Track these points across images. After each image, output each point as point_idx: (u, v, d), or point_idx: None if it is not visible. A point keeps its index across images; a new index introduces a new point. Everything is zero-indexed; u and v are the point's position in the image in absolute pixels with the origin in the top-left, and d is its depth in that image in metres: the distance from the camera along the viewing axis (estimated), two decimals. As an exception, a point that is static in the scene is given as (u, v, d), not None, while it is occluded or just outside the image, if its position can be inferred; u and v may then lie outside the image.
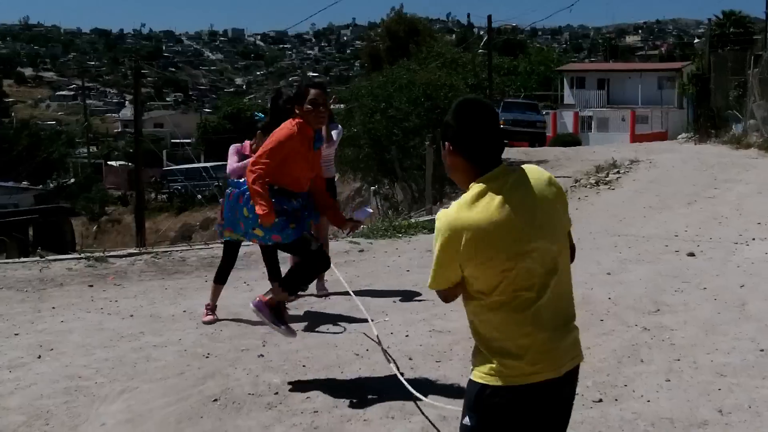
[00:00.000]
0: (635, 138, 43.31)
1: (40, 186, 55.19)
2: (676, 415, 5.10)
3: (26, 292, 8.96)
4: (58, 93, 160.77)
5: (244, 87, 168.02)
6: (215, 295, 7.74)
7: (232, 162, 7.67)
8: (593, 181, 18.00)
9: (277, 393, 5.60)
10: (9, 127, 73.16)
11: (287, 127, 5.84)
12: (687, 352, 6.29)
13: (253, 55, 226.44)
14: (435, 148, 15.72)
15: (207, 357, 6.43)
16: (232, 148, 7.85)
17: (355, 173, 26.60)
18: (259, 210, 5.78)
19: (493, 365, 2.92)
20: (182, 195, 49.60)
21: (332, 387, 5.71)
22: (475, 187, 2.94)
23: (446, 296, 3.11)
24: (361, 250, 11.00)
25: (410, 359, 6.27)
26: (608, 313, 7.39)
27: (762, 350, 6.32)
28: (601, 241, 10.93)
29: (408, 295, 8.40)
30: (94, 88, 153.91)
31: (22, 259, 10.66)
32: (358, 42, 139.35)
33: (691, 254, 9.92)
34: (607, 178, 18.28)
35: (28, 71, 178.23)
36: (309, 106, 5.82)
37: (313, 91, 5.86)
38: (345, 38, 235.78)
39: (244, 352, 6.52)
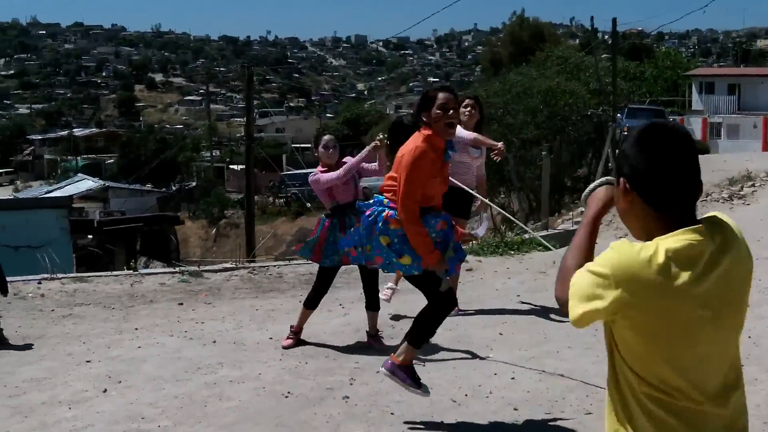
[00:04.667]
0: (768, 146, 40.91)
1: (163, 189, 56.49)
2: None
3: (113, 310, 8.55)
4: (186, 98, 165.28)
5: (365, 92, 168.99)
6: (302, 319, 7.10)
7: (329, 176, 6.85)
8: (726, 195, 16.37)
9: (355, 449, 4.86)
10: (137, 131, 75.34)
11: (416, 145, 5.09)
12: None
13: (375, 61, 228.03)
14: (552, 158, 14.80)
15: (286, 397, 5.75)
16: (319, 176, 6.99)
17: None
18: (423, 253, 5.14)
19: None
20: (300, 200, 49.51)
21: (421, 443, 4.94)
22: (665, 244, 2.09)
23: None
24: (470, 269, 10.16)
25: (515, 409, 5.43)
26: (749, 356, 6.33)
27: None
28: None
29: (517, 327, 7.55)
30: (221, 93, 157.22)
31: (115, 273, 10.29)
32: (479, 48, 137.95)
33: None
34: (741, 192, 16.60)
35: (158, 77, 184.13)
36: (439, 111, 5.10)
37: (441, 95, 5.14)
38: (467, 44, 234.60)
39: (329, 392, 5.81)
